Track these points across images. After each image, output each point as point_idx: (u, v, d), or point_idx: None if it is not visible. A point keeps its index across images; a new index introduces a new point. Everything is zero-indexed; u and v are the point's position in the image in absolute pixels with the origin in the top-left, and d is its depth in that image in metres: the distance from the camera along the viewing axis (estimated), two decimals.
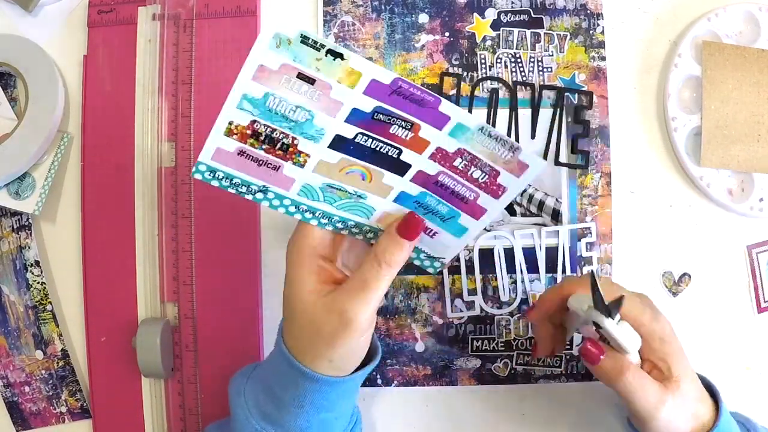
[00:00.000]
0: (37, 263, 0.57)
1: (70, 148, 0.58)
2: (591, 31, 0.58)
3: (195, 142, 0.57)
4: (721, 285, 0.57)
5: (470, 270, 0.57)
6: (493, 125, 0.57)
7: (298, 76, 0.37)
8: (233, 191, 0.42)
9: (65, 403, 0.57)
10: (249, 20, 0.58)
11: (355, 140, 0.40)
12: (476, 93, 0.57)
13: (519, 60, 0.57)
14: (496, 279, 0.57)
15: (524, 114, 0.57)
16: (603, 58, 0.57)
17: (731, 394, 0.57)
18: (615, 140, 0.57)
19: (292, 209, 0.43)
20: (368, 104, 0.39)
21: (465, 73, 0.57)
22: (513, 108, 0.57)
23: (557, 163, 0.57)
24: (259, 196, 0.42)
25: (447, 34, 0.58)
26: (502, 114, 0.57)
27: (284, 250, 0.57)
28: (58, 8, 0.59)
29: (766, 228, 0.57)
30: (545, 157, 0.57)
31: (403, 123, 0.40)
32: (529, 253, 0.56)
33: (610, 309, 0.40)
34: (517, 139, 0.57)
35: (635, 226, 0.57)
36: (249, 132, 0.39)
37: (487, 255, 0.57)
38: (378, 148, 0.41)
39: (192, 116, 0.57)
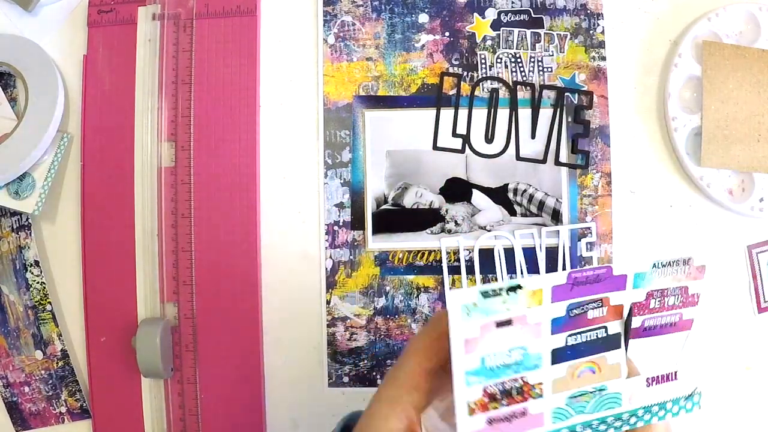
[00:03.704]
0: (37, 263, 0.57)
1: (70, 148, 0.58)
2: (591, 31, 0.58)
3: (195, 141, 0.57)
4: (721, 285, 0.57)
5: (470, 270, 0.57)
6: (494, 125, 0.57)
7: (497, 326, 0.39)
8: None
9: (65, 404, 0.57)
10: (249, 20, 0.58)
11: (568, 344, 0.41)
12: (476, 93, 0.57)
13: (519, 60, 0.57)
14: (496, 279, 0.57)
15: (524, 114, 0.57)
16: (603, 58, 0.57)
17: (731, 394, 0.57)
18: (615, 140, 0.57)
19: None
20: (561, 308, 0.40)
21: (465, 73, 0.57)
22: (513, 108, 0.57)
23: (557, 163, 0.57)
24: None
25: (447, 33, 0.58)
26: (502, 114, 0.57)
27: (283, 249, 0.58)
28: (58, 8, 0.59)
29: (766, 228, 0.57)
30: (545, 157, 0.57)
31: (593, 304, 0.41)
32: (530, 253, 0.56)
33: None
34: (517, 139, 0.57)
35: (635, 226, 0.57)
36: (486, 400, 0.40)
37: (487, 255, 0.57)
38: (589, 338, 0.42)
39: (192, 116, 0.57)
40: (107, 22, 0.58)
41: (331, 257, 0.57)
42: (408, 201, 0.57)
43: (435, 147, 0.57)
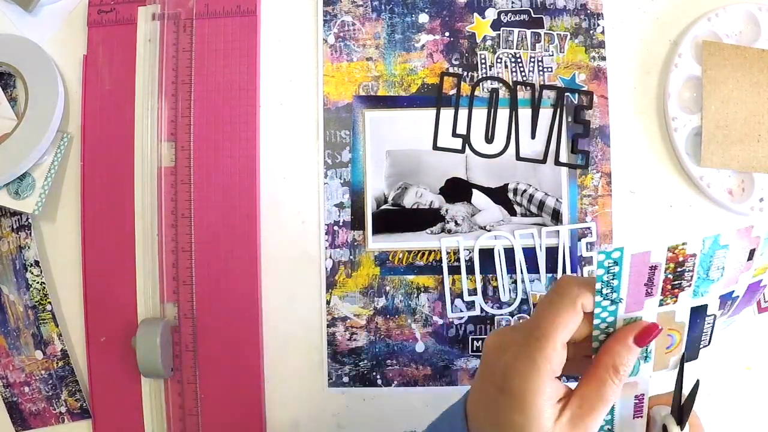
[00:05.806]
0: (37, 263, 0.57)
1: (70, 148, 0.58)
2: (591, 31, 0.58)
3: (195, 141, 0.57)
4: None
5: (470, 270, 0.57)
6: (494, 125, 0.57)
7: (750, 251, 0.39)
8: (599, 285, 0.38)
9: (65, 404, 0.57)
10: (249, 20, 0.58)
11: (707, 316, 0.40)
12: (476, 93, 0.57)
13: (519, 60, 0.57)
14: (496, 279, 0.57)
15: (524, 114, 0.57)
16: (603, 58, 0.57)
17: (731, 394, 0.57)
18: (615, 140, 0.57)
19: (603, 326, 0.39)
20: (740, 290, 0.41)
21: (465, 73, 0.57)
22: (513, 108, 0.57)
23: (557, 163, 0.57)
24: (606, 303, 0.39)
25: (447, 34, 0.58)
26: (502, 114, 0.57)
27: (283, 249, 0.58)
28: (58, 8, 0.59)
29: (766, 228, 0.57)
30: (545, 157, 0.57)
31: (731, 308, 0.42)
32: (530, 253, 0.56)
33: (684, 420, 0.40)
34: (517, 139, 0.57)
35: (635, 226, 0.57)
36: (681, 259, 0.38)
37: (487, 255, 0.57)
38: (704, 332, 0.41)
39: (192, 116, 0.57)
40: (107, 22, 0.58)
41: (331, 257, 0.57)
42: (408, 201, 0.57)
43: (435, 147, 0.57)
